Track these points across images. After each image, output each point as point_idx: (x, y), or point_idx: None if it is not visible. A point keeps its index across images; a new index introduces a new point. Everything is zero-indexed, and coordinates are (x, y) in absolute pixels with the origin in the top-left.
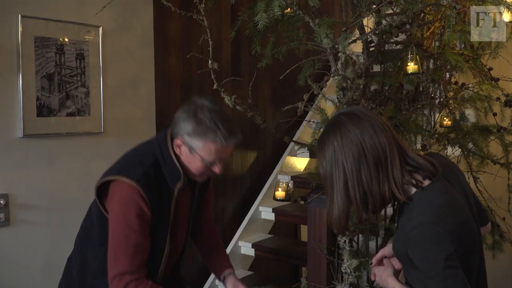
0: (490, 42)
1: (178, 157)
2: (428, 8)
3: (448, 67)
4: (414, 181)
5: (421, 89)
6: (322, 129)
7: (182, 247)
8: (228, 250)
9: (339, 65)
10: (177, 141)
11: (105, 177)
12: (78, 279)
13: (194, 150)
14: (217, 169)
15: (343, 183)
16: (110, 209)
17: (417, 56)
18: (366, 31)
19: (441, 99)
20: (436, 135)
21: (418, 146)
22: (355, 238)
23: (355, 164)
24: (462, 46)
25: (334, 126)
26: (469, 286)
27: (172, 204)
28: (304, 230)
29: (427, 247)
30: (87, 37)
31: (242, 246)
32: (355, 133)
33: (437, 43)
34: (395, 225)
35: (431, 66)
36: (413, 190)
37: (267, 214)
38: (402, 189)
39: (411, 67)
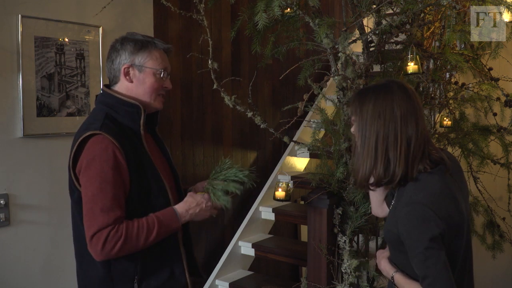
0: (490, 42)
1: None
2: (428, 8)
3: (448, 67)
4: (422, 167)
5: (421, 89)
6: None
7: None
8: (228, 250)
9: (339, 65)
10: (125, 67)
11: (71, 152)
12: None
13: (143, 66)
14: (168, 83)
15: (374, 142)
16: (83, 172)
17: (417, 56)
18: (366, 31)
19: (441, 99)
20: (436, 135)
21: None
22: (355, 238)
23: (390, 131)
24: (462, 46)
25: (383, 89)
26: (449, 270)
27: (145, 145)
28: (304, 230)
29: (414, 225)
30: (87, 37)
31: (242, 246)
32: (401, 106)
33: (437, 43)
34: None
35: (431, 66)
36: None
37: (267, 214)
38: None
39: (411, 67)
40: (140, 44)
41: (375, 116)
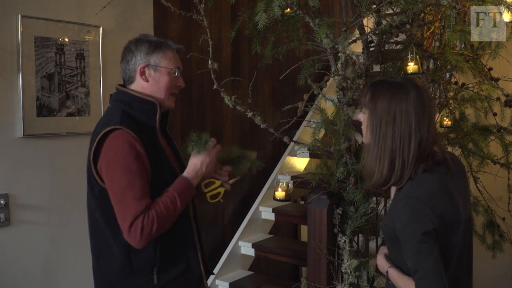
0: (490, 42)
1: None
2: (428, 8)
3: (448, 67)
4: (424, 167)
5: None
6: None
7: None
8: (228, 250)
9: (339, 65)
10: (141, 67)
11: (91, 148)
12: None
13: (158, 65)
14: (181, 82)
15: (390, 143)
16: (107, 168)
17: (417, 56)
18: (366, 31)
19: (441, 99)
20: None
21: None
22: (355, 238)
23: (405, 132)
24: (462, 46)
25: (399, 88)
26: (441, 266)
27: (160, 141)
28: (304, 230)
29: (409, 219)
30: (87, 37)
31: (242, 246)
32: (416, 106)
33: (437, 43)
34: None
35: (431, 66)
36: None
37: (267, 214)
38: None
39: (411, 67)
40: (154, 45)
41: (390, 115)
